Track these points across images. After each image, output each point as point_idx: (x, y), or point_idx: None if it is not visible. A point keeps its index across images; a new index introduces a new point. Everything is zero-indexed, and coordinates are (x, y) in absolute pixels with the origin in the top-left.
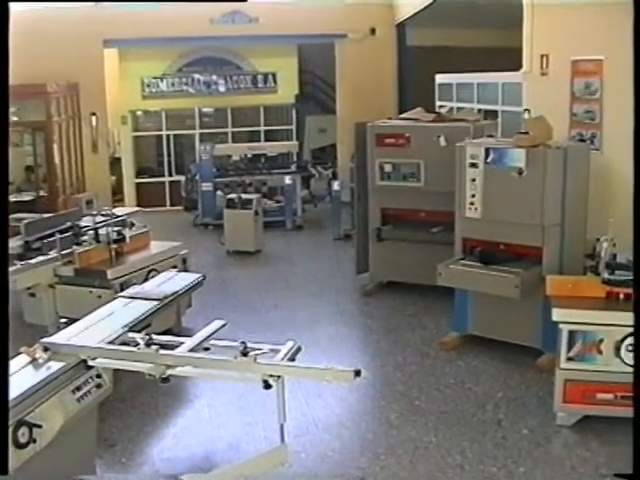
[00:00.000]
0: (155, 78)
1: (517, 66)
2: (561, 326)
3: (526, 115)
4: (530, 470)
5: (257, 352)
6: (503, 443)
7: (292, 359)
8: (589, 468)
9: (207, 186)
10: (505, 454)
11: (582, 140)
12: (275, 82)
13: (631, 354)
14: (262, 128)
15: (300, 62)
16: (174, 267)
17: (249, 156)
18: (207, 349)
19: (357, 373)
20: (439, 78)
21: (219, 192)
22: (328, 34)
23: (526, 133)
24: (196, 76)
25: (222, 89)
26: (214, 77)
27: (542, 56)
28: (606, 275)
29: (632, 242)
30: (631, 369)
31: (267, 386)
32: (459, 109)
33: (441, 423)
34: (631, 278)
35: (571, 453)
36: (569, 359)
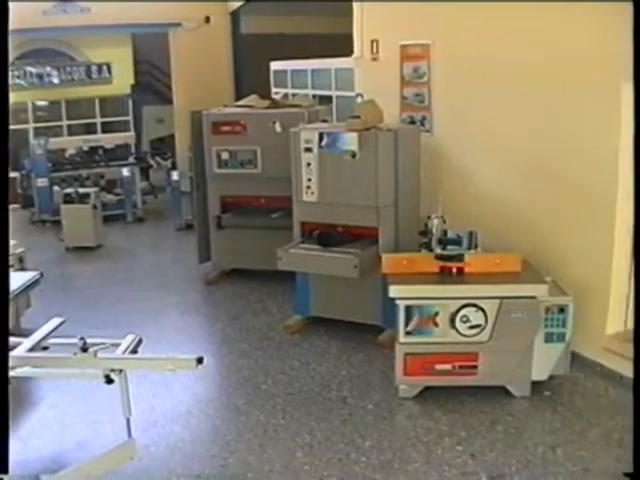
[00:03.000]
0: None
1: (349, 52)
2: (398, 302)
3: (358, 99)
4: (377, 443)
5: (98, 347)
6: (349, 419)
7: (134, 351)
8: (433, 436)
9: (42, 182)
10: (352, 430)
11: (413, 122)
12: (110, 73)
13: (465, 325)
14: (98, 120)
15: (135, 52)
16: (10, 266)
17: (85, 149)
18: (46, 348)
19: (199, 360)
20: (274, 65)
21: (56, 187)
22: (162, 23)
23: (358, 117)
24: (28, 68)
25: (55, 81)
26: (47, 69)
27: (372, 41)
28: (438, 250)
29: (632, 242)
30: (466, 339)
31: (109, 381)
32: (294, 95)
33: (288, 405)
34: (461, 252)
35: (415, 424)
36: (407, 333)
